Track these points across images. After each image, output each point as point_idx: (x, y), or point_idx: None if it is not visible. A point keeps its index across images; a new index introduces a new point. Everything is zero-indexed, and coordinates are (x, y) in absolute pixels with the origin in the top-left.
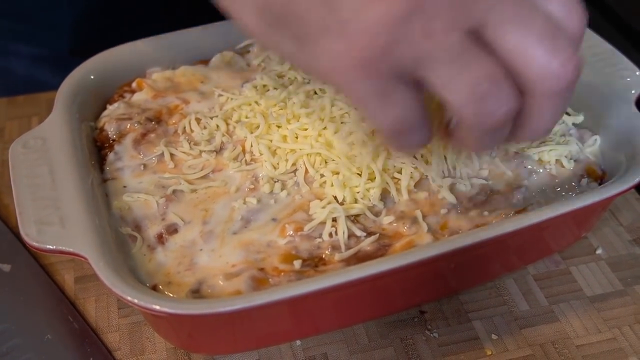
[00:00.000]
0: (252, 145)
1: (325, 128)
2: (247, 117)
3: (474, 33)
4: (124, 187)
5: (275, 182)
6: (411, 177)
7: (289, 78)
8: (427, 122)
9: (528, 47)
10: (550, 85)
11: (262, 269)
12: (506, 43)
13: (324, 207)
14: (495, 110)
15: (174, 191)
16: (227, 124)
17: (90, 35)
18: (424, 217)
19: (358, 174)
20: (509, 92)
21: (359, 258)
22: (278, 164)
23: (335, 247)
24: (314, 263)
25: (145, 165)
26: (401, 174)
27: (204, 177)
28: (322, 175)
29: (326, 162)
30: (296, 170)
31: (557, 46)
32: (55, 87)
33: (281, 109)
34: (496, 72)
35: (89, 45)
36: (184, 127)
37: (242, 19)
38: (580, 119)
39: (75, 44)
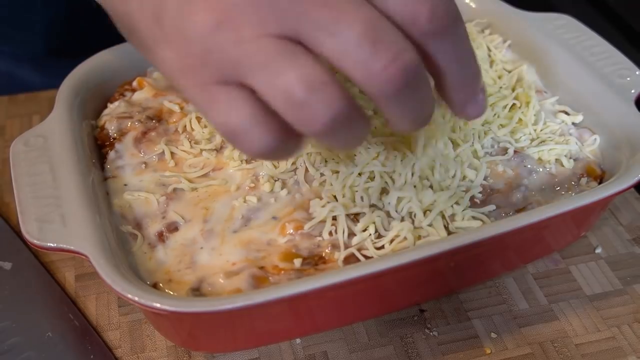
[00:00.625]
0: None
1: None
2: None
3: (292, 40)
4: (125, 185)
5: (275, 180)
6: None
7: None
8: (268, 124)
9: (345, 54)
10: (378, 89)
11: (262, 268)
12: (325, 50)
13: (323, 206)
14: (315, 116)
15: (175, 189)
16: None
17: (68, 36)
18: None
19: (359, 173)
20: (330, 96)
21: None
22: (278, 162)
23: (335, 246)
24: (314, 261)
25: (146, 164)
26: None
27: (205, 175)
28: (322, 174)
29: (326, 161)
30: (296, 169)
31: (377, 48)
32: (36, 86)
33: None
34: (315, 76)
35: (67, 45)
36: (185, 126)
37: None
38: (579, 118)
39: (52, 44)
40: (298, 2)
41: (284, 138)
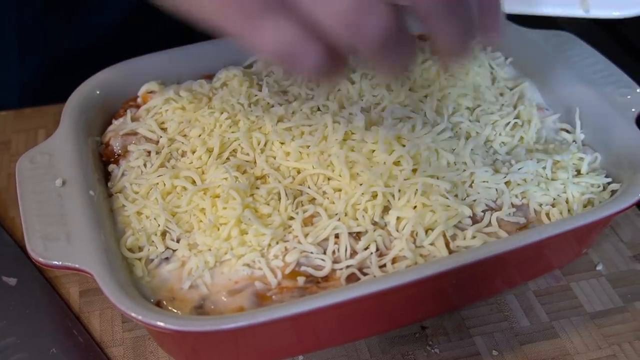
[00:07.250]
0: (256, 163)
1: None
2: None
3: None
4: (129, 201)
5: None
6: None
7: (292, 94)
8: (316, 43)
9: None
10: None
11: (265, 285)
12: None
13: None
14: (367, 34)
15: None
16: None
17: (41, 92)
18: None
19: (362, 193)
20: (380, 15)
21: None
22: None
23: (337, 264)
24: (317, 280)
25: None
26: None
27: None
28: (324, 192)
29: (329, 179)
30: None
31: None
32: None
33: (287, 128)
34: None
35: (40, 99)
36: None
37: None
38: (580, 136)
39: (26, 101)
40: None
41: (331, 56)
